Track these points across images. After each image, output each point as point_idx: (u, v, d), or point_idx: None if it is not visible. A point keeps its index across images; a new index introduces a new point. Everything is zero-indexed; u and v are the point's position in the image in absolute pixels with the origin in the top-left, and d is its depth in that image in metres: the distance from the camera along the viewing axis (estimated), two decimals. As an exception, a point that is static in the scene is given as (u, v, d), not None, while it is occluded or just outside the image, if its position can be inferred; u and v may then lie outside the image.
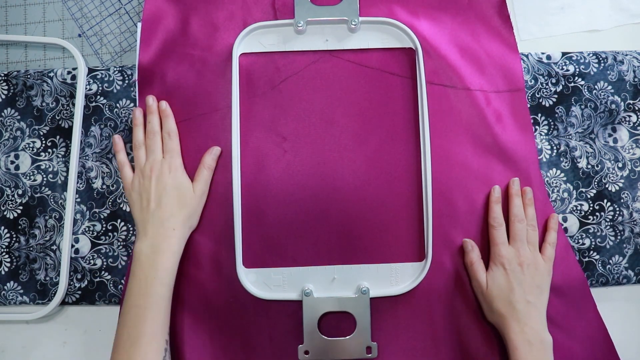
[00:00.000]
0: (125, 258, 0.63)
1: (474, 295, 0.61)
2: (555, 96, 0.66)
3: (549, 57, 0.66)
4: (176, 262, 0.58)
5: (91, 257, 0.63)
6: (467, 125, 0.64)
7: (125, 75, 0.66)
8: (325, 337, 0.60)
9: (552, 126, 0.65)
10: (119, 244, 0.63)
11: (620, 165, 0.65)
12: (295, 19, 0.64)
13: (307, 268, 0.61)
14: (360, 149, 0.63)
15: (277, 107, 0.64)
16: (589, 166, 0.65)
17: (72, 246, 0.64)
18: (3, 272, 0.64)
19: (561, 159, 0.65)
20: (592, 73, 0.66)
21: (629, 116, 0.66)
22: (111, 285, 0.63)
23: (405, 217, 0.62)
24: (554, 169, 0.65)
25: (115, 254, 0.63)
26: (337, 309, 0.60)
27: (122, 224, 0.64)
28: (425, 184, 0.61)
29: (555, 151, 0.65)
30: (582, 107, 0.66)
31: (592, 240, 0.64)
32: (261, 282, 0.61)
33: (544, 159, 0.65)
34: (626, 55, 0.66)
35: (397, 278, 0.61)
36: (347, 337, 0.60)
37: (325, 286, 0.61)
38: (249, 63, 0.64)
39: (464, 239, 0.62)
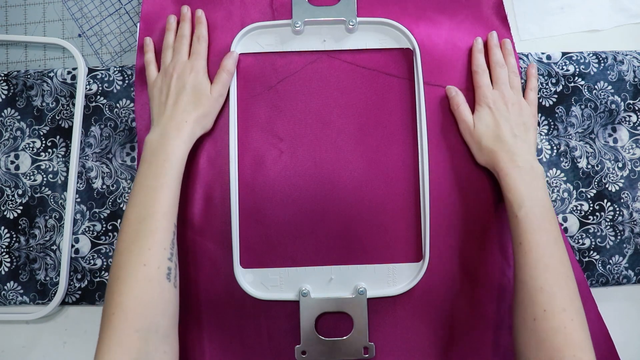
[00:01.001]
0: (124, 258, 0.63)
1: (472, 295, 0.61)
2: (555, 96, 0.66)
3: (549, 57, 0.66)
4: (185, 152, 0.58)
5: (91, 257, 0.64)
6: (465, 126, 0.64)
7: (125, 75, 0.66)
8: (323, 338, 0.60)
9: (552, 126, 0.65)
10: (118, 243, 0.64)
11: (620, 165, 0.65)
12: (293, 19, 0.64)
13: (305, 268, 0.61)
14: (358, 149, 0.63)
15: (274, 107, 0.64)
16: (589, 166, 0.65)
17: (72, 246, 0.64)
18: (3, 272, 0.64)
19: (561, 159, 0.65)
20: (592, 73, 0.66)
21: (629, 116, 0.66)
22: (111, 285, 0.63)
23: (403, 218, 0.62)
24: (554, 169, 0.65)
25: (115, 253, 0.63)
26: (334, 309, 0.60)
27: (122, 224, 0.64)
28: (423, 185, 0.61)
29: (555, 151, 0.65)
30: (582, 107, 0.66)
31: (592, 240, 0.64)
32: (258, 283, 0.61)
33: (544, 159, 0.65)
34: (626, 55, 0.66)
35: (394, 278, 0.61)
36: (344, 337, 0.60)
37: (322, 286, 0.61)
38: (247, 64, 0.65)
39: (447, 87, 0.64)
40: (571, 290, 0.52)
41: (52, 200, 0.65)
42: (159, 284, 0.51)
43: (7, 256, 0.64)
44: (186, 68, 0.61)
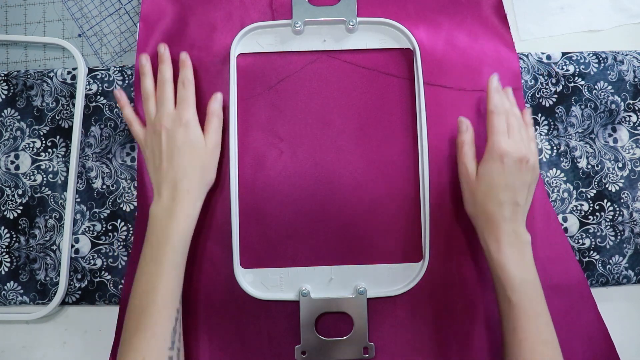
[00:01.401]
0: (125, 258, 0.63)
1: (471, 296, 0.61)
2: (555, 96, 0.66)
3: (549, 57, 0.66)
4: (190, 226, 0.55)
5: (91, 257, 0.64)
6: (465, 126, 0.64)
7: (125, 76, 0.66)
8: (323, 338, 0.60)
9: (552, 126, 0.65)
10: (119, 244, 0.64)
11: (620, 165, 0.65)
12: (293, 19, 0.64)
13: (305, 268, 0.61)
14: (358, 149, 0.63)
15: (274, 107, 0.64)
16: (589, 166, 0.65)
17: (72, 246, 0.64)
18: (3, 272, 0.64)
19: (561, 159, 0.65)
20: (592, 73, 0.66)
21: (629, 116, 0.66)
22: (111, 285, 0.63)
23: (403, 218, 0.62)
24: (554, 169, 0.65)
25: (116, 254, 0.63)
26: (334, 309, 0.60)
27: (122, 224, 0.64)
28: (423, 185, 0.61)
29: (555, 151, 0.65)
30: (582, 107, 0.66)
31: (592, 240, 0.64)
32: (258, 283, 0.61)
33: (544, 159, 0.65)
34: (626, 55, 0.66)
35: (394, 278, 0.61)
36: (344, 337, 0.60)
37: (322, 287, 0.61)
38: (247, 63, 0.64)
39: (459, 118, 0.59)
40: None
41: (52, 200, 0.65)
42: None
43: (7, 256, 0.64)
44: (175, 122, 0.57)
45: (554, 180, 0.65)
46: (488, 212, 0.55)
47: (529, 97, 0.65)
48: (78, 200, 0.64)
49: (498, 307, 0.54)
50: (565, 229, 0.64)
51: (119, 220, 0.64)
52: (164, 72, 0.60)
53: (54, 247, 0.64)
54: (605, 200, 0.64)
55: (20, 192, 0.65)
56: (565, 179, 0.65)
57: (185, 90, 0.59)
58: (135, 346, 0.50)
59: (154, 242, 0.54)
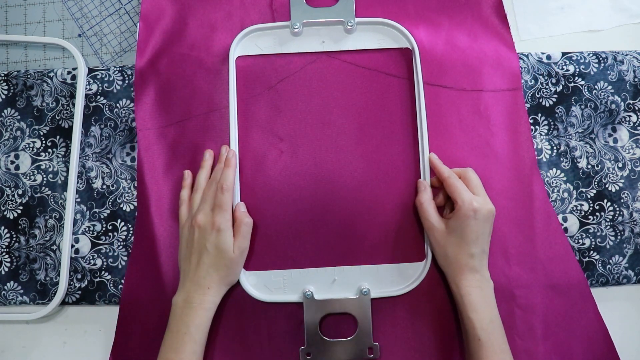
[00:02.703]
0: (125, 258, 0.63)
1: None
2: (555, 96, 0.66)
3: (549, 57, 0.66)
4: (208, 319, 0.57)
5: (91, 257, 0.63)
6: (464, 126, 0.64)
7: (125, 75, 0.66)
8: (327, 339, 0.60)
9: (552, 126, 0.65)
10: (119, 244, 0.64)
11: (620, 165, 0.65)
12: (292, 20, 0.64)
13: (308, 270, 0.61)
14: (358, 149, 0.63)
15: (273, 107, 0.64)
16: (589, 166, 0.65)
17: (72, 246, 0.64)
18: (3, 272, 0.64)
19: (561, 159, 0.65)
20: (592, 73, 0.66)
21: (629, 116, 0.66)
22: (111, 285, 0.63)
23: (405, 218, 0.62)
24: (554, 169, 0.65)
25: (116, 254, 0.63)
26: (338, 310, 0.60)
27: (122, 224, 0.64)
28: (425, 185, 0.61)
29: (555, 151, 0.65)
30: (582, 107, 0.66)
31: (592, 240, 0.64)
32: (262, 285, 0.61)
33: (544, 159, 0.65)
34: (626, 55, 0.66)
35: (397, 278, 0.61)
36: (349, 338, 0.60)
37: (325, 288, 0.61)
38: (246, 65, 0.65)
39: (418, 180, 0.62)
40: None
41: (52, 200, 0.65)
42: None
43: (7, 256, 0.64)
44: (208, 224, 0.58)
45: (554, 180, 0.65)
46: (460, 262, 0.57)
47: (529, 97, 0.66)
48: (78, 200, 0.64)
49: (465, 346, 0.56)
50: (565, 229, 0.64)
51: (119, 220, 0.64)
52: (218, 172, 0.61)
53: (54, 247, 0.64)
54: (605, 200, 0.64)
55: (20, 192, 0.65)
56: (565, 179, 0.65)
57: (223, 195, 0.59)
58: None
59: (174, 330, 0.56)
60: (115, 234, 0.64)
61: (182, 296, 0.57)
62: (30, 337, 0.64)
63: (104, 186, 0.65)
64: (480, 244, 0.57)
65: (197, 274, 0.57)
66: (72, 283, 0.63)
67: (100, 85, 0.66)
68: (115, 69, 0.66)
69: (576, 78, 0.66)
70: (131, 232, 0.64)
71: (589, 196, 0.64)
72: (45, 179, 0.65)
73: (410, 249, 0.62)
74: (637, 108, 0.66)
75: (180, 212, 0.61)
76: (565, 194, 0.64)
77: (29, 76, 0.67)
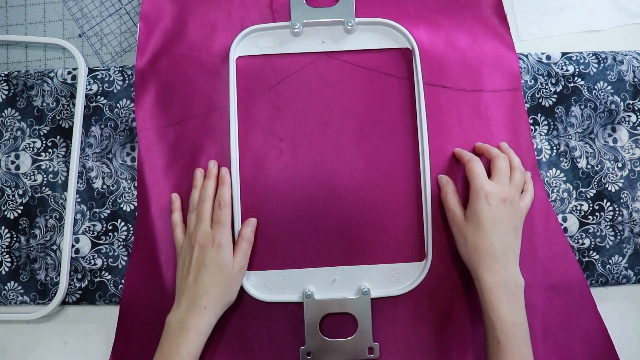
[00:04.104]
0: (125, 258, 0.63)
1: (474, 294, 0.61)
2: (555, 96, 0.66)
3: (548, 57, 0.66)
4: (201, 344, 0.56)
5: (91, 257, 0.63)
6: (464, 126, 0.64)
7: (126, 76, 0.66)
8: (327, 339, 0.60)
9: (552, 126, 0.65)
10: (119, 244, 0.64)
11: (619, 165, 0.65)
12: (292, 21, 0.64)
13: (308, 270, 0.61)
14: (358, 149, 0.63)
15: (273, 108, 0.64)
16: (589, 166, 0.65)
17: (73, 246, 0.64)
18: (3, 272, 0.64)
19: (561, 159, 0.65)
20: (591, 73, 0.66)
21: (629, 116, 0.66)
22: (111, 285, 0.63)
23: (405, 217, 0.62)
24: (554, 169, 0.65)
25: (116, 254, 0.63)
26: (338, 310, 0.60)
27: (123, 224, 0.64)
28: (424, 184, 0.61)
29: (555, 151, 0.65)
30: (582, 107, 0.66)
31: (592, 240, 0.64)
32: (262, 285, 0.61)
33: (544, 159, 0.65)
34: (626, 55, 0.66)
35: (397, 278, 0.61)
36: (349, 338, 0.60)
37: (326, 287, 0.61)
38: (246, 65, 0.65)
39: (439, 175, 0.62)
40: None
41: (52, 200, 0.65)
42: None
43: (7, 256, 0.64)
44: (208, 240, 0.58)
45: (554, 180, 0.65)
46: (479, 250, 0.56)
47: (529, 97, 0.66)
48: (78, 200, 0.64)
49: (485, 344, 0.55)
50: (565, 229, 0.64)
51: (119, 220, 0.64)
52: (207, 187, 0.61)
53: (55, 247, 0.64)
54: (605, 200, 0.65)
55: (20, 192, 0.65)
56: (565, 179, 0.65)
57: (221, 211, 0.59)
58: None
59: (165, 350, 0.55)
60: (116, 234, 0.64)
61: (177, 316, 0.56)
62: (30, 337, 0.64)
63: (104, 186, 0.65)
64: (500, 234, 0.55)
65: (194, 292, 0.56)
66: (72, 283, 0.63)
67: (100, 85, 0.66)
68: (115, 69, 0.66)
69: (576, 78, 0.66)
70: (131, 232, 0.64)
71: (588, 196, 0.65)
72: (45, 179, 0.65)
73: (410, 249, 0.62)
74: (636, 108, 0.66)
75: (175, 236, 0.61)
76: (565, 194, 0.64)
77: (29, 76, 0.67)
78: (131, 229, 0.64)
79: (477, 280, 0.56)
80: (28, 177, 0.65)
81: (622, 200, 0.65)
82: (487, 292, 0.54)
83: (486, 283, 0.54)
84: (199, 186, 0.62)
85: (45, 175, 0.65)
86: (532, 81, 0.66)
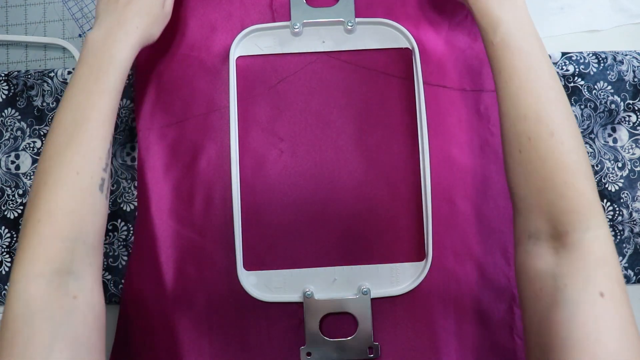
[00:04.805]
0: (125, 258, 0.63)
1: (474, 294, 0.61)
2: (555, 96, 0.66)
3: (548, 57, 0.66)
4: (132, 57, 0.53)
5: (91, 257, 0.63)
6: (464, 126, 0.64)
7: (126, 76, 0.66)
8: (327, 339, 0.60)
9: (552, 126, 0.65)
10: (119, 243, 0.64)
11: (620, 165, 0.65)
12: (292, 21, 0.64)
13: (308, 269, 0.61)
14: (358, 149, 0.63)
15: (273, 107, 0.64)
16: (589, 166, 0.65)
17: (73, 246, 0.64)
18: (3, 272, 0.64)
19: (561, 159, 0.65)
20: (591, 73, 0.66)
21: (629, 116, 0.66)
22: (111, 285, 0.63)
23: (405, 217, 0.62)
24: (554, 169, 0.65)
25: (116, 253, 0.63)
26: (338, 310, 0.60)
27: (123, 224, 0.64)
28: (424, 184, 0.61)
29: (555, 151, 0.65)
30: (582, 107, 0.66)
31: (592, 240, 0.64)
32: (262, 285, 0.61)
33: (544, 159, 0.65)
34: (626, 55, 0.66)
35: (397, 278, 0.61)
36: (350, 337, 0.60)
37: (326, 287, 0.61)
38: (246, 65, 0.65)
39: None
40: (561, 113, 0.47)
41: (52, 200, 0.65)
42: (91, 194, 0.48)
43: (7, 256, 0.64)
44: None
45: (554, 180, 0.65)
46: None
47: (529, 97, 0.66)
48: (78, 200, 0.64)
49: (490, 65, 0.51)
50: (565, 229, 0.64)
51: (119, 220, 0.64)
52: None
53: (55, 247, 0.64)
54: (605, 200, 0.65)
55: (20, 192, 0.65)
56: (565, 178, 0.65)
57: None
58: (67, 159, 0.47)
59: (93, 62, 0.51)
60: (116, 233, 0.64)
61: (102, 30, 0.52)
62: (30, 337, 0.64)
63: (105, 186, 0.65)
64: None
65: (126, 11, 0.53)
66: (72, 283, 0.63)
67: (100, 85, 0.66)
68: (115, 69, 0.66)
69: (576, 78, 0.66)
70: (131, 232, 0.64)
71: (588, 196, 0.65)
72: (45, 179, 0.65)
73: (410, 249, 0.62)
74: (636, 108, 0.66)
75: None
76: (565, 194, 0.64)
77: (29, 76, 0.67)
78: (131, 229, 0.64)
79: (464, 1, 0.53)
80: (28, 177, 0.65)
81: (622, 200, 0.65)
82: (473, 1, 0.52)
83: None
84: None
85: (45, 175, 0.65)
86: (532, 81, 0.66)
